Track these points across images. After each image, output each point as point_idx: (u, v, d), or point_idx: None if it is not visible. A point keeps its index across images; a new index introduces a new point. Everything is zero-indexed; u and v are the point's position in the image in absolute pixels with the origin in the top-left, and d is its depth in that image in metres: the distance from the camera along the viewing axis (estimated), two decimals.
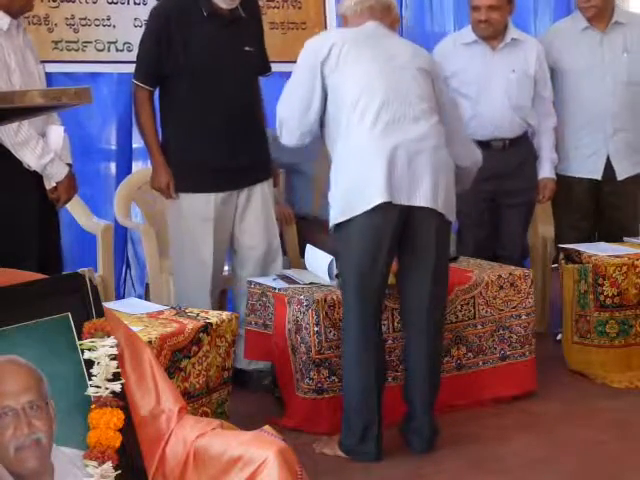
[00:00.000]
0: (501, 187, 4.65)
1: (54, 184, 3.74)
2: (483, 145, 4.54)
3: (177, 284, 4.30)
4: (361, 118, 3.40)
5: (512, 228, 4.74)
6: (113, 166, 5.05)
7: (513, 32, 4.65)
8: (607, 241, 4.72)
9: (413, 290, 3.54)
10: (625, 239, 4.77)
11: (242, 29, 4.11)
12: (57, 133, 3.70)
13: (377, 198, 3.35)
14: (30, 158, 3.61)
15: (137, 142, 5.05)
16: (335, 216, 3.46)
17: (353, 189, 3.41)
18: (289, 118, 3.53)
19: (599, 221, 4.94)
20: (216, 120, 4.03)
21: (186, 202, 4.11)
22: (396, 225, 3.40)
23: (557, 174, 4.83)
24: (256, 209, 4.19)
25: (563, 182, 4.83)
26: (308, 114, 3.49)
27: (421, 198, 3.40)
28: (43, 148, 3.62)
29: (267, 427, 2.28)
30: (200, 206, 4.08)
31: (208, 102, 4.01)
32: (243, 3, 4.08)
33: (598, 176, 4.77)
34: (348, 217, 3.40)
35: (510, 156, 4.64)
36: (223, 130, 4.03)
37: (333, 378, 3.73)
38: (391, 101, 3.41)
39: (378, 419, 3.51)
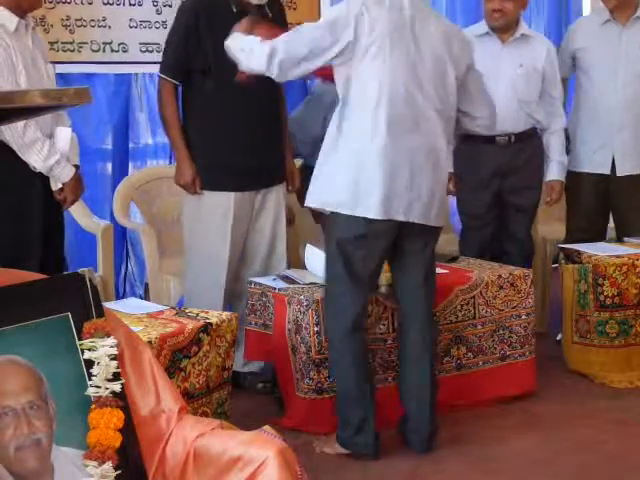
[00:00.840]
0: (506, 184, 4.64)
1: (60, 185, 3.74)
2: (488, 140, 4.56)
3: (188, 283, 4.29)
4: (375, 126, 3.37)
5: (519, 228, 4.74)
6: (109, 167, 5.05)
7: (524, 28, 4.66)
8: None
9: (407, 290, 3.59)
10: (625, 239, 4.77)
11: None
12: (65, 134, 3.70)
13: (372, 212, 3.39)
14: (36, 160, 3.61)
15: (133, 143, 5.07)
16: (321, 200, 3.50)
17: (348, 188, 3.41)
18: (289, 56, 3.37)
19: (617, 221, 4.92)
20: (240, 119, 4.03)
21: (206, 200, 4.11)
22: (390, 233, 3.46)
23: (567, 170, 4.86)
24: (269, 210, 4.20)
25: (573, 178, 4.84)
26: (306, 65, 3.40)
27: (416, 215, 3.45)
28: (49, 149, 3.61)
29: (267, 427, 2.28)
30: (220, 204, 4.09)
31: (233, 101, 4.00)
32: (269, 3, 4.09)
33: (606, 170, 4.75)
34: (336, 210, 3.45)
35: (516, 152, 4.63)
36: (247, 130, 4.02)
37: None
38: (406, 117, 3.40)
39: (373, 412, 3.53)
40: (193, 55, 4.00)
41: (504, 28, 4.60)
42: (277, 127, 4.22)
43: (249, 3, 4.00)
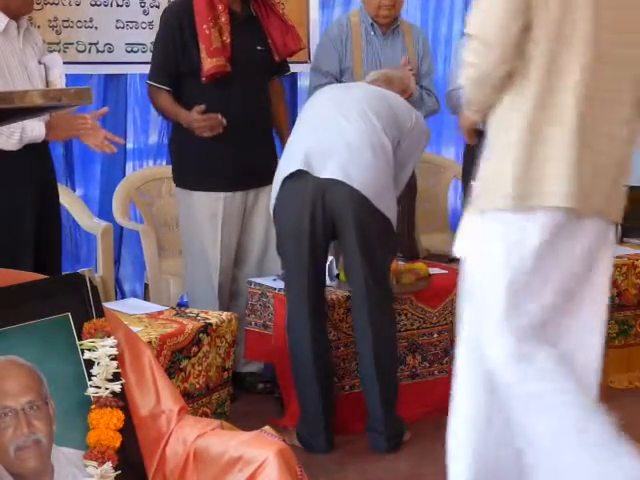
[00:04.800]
0: None
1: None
2: None
3: (187, 283, 4.31)
4: None
5: None
6: (106, 167, 5.02)
7: None
8: None
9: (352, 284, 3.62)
10: (625, 239, 4.77)
11: (254, 28, 4.11)
12: (57, 61, 3.66)
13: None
14: (2, 143, 3.47)
15: (130, 143, 5.05)
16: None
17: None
18: None
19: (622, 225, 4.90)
20: (228, 120, 4.02)
21: (196, 201, 4.12)
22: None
23: None
24: (261, 210, 4.19)
25: None
26: None
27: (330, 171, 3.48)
28: (8, 127, 3.45)
29: (267, 427, 2.28)
30: (210, 205, 4.09)
31: (220, 102, 4.00)
32: (256, 3, 4.11)
33: None
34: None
35: None
36: (234, 130, 4.02)
37: (332, 378, 3.73)
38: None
39: (327, 413, 3.58)
40: (180, 59, 4.01)
41: None
42: (267, 125, 4.21)
43: (233, 2, 4.02)
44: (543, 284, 2.48)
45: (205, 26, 3.93)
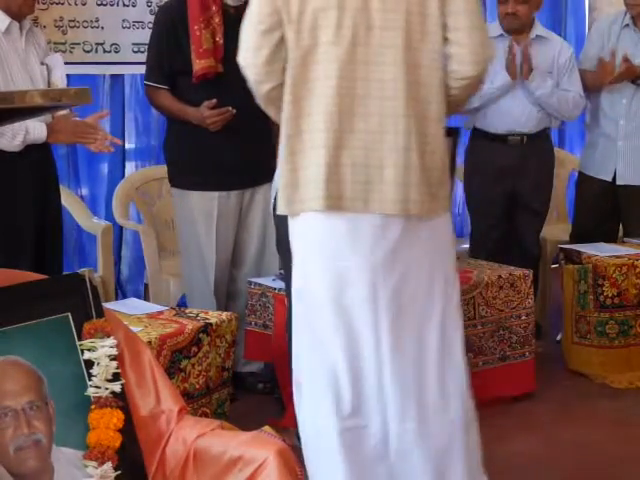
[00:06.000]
0: (518, 187, 4.63)
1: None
2: (500, 139, 4.56)
3: (184, 283, 4.32)
4: None
5: (528, 231, 4.74)
6: (106, 167, 5.03)
7: (539, 29, 4.65)
8: None
9: None
10: (625, 239, 4.77)
11: None
12: (58, 61, 3.67)
13: None
14: (4, 144, 3.49)
15: (130, 143, 5.06)
16: None
17: None
18: None
19: (624, 226, 4.90)
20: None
21: (191, 200, 4.12)
22: None
23: (578, 171, 4.90)
24: (257, 209, 4.19)
25: (581, 179, 4.84)
26: None
27: None
28: (11, 129, 3.48)
29: (267, 427, 2.28)
30: (203, 204, 4.09)
31: (213, 100, 4.00)
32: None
33: (608, 177, 4.75)
34: None
35: (527, 152, 4.61)
36: (229, 130, 4.02)
37: None
38: None
39: None
40: (174, 58, 4.01)
41: (519, 30, 4.58)
42: (262, 125, 4.19)
43: (226, 4, 4.02)
44: (324, 282, 2.64)
45: (196, 27, 3.93)
